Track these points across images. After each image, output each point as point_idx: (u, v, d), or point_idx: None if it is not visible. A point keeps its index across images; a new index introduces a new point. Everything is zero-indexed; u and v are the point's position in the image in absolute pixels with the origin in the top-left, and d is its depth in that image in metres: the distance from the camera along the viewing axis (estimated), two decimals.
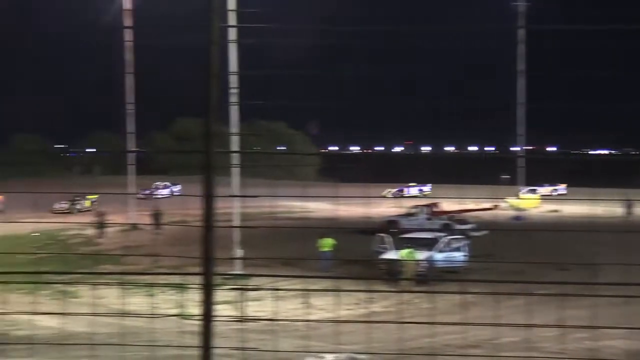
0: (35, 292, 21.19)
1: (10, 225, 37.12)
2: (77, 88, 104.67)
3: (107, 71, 78.71)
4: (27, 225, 39.47)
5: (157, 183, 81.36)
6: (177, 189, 79.96)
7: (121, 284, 21.31)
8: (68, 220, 48.38)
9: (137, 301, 21.80)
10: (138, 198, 69.81)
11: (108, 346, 12.28)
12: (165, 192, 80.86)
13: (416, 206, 53.47)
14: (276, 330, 14.88)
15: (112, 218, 49.56)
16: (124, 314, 19.49)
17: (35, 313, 16.82)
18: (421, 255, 33.19)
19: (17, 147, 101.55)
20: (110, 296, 23.23)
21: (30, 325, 21.91)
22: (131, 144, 57.41)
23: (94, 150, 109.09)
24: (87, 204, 64.05)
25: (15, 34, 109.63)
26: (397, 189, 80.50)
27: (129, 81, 55.55)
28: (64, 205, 61.70)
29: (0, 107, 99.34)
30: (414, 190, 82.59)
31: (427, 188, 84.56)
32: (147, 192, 75.56)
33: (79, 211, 62.30)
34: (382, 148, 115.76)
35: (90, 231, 48.18)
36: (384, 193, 76.11)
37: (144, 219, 47.47)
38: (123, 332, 17.35)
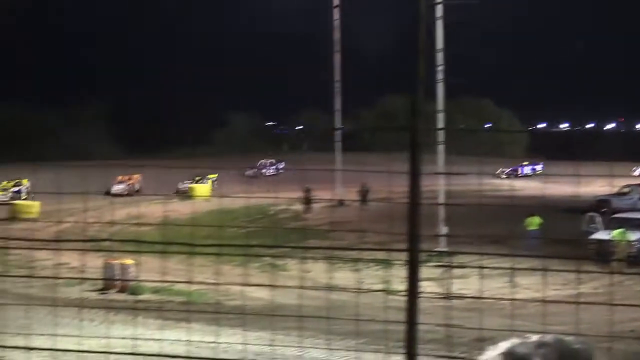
0: (246, 264, 21.84)
1: (225, 200, 38.49)
2: (284, 66, 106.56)
3: (313, 49, 79.73)
4: (239, 200, 40.86)
5: (262, 160, 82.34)
6: (281, 166, 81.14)
7: (327, 258, 21.72)
8: (279, 195, 49.57)
9: (343, 276, 22.12)
10: (246, 175, 71.08)
11: (315, 318, 12.51)
12: (271, 170, 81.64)
13: (628, 185, 51.75)
14: (480, 309, 14.74)
15: (318, 194, 50.35)
16: (331, 287, 19.83)
17: (247, 284, 17.33)
18: (634, 236, 32.18)
19: (233, 125, 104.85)
20: (317, 270, 23.76)
21: (242, 295, 22.64)
22: (338, 121, 58.17)
23: (302, 127, 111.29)
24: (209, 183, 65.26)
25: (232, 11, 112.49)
26: (510, 169, 77.73)
27: (336, 59, 56.31)
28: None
29: (218, 86, 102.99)
30: (527, 170, 79.96)
31: (539, 167, 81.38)
32: (254, 169, 76.86)
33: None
34: (593, 125, 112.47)
35: (297, 207, 49.30)
36: (497, 172, 74.01)
37: (350, 195, 48.02)
38: (329, 306, 17.67)
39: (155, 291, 26.55)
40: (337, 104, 56.81)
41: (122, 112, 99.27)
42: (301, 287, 14.16)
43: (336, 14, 56.03)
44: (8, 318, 16.97)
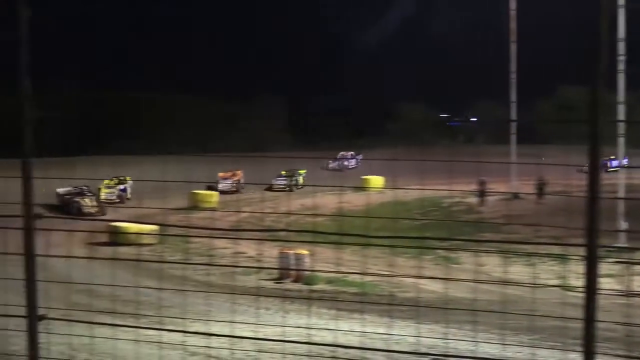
0: (419, 256, 21.78)
1: (398, 192, 38.46)
2: (456, 57, 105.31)
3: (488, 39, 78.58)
4: (412, 191, 40.76)
5: (343, 153, 79.48)
6: (360, 158, 77.41)
7: (502, 252, 21.35)
8: (449, 188, 49.20)
9: (517, 270, 21.72)
10: (330, 169, 70.80)
11: (489, 313, 12.37)
12: (352, 162, 78.48)
13: None
14: None
15: (493, 187, 49.74)
16: (505, 282, 19.54)
17: (420, 277, 17.30)
18: None
19: (403, 116, 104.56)
20: (491, 264, 23.47)
21: (414, 288, 22.58)
22: (513, 113, 57.21)
23: (476, 119, 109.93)
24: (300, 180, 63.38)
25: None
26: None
27: (512, 49, 55.42)
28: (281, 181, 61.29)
29: (386, 78, 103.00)
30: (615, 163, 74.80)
31: (625, 161, 76.16)
32: (338, 162, 74.86)
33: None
34: None
35: (471, 199, 48.85)
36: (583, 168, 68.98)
37: (525, 188, 47.16)
38: (503, 300, 17.41)
39: (329, 282, 26.83)
40: (513, 95, 55.87)
41: (297, 105, 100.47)
42: (475, 281, 14.00)
43: (513, 3, 55.09)
44: (189, 304, 17.55)
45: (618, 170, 72.93)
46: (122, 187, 56.50)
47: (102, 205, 49.25)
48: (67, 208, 49.24)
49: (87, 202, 49.95)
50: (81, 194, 51.33)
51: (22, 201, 8.11)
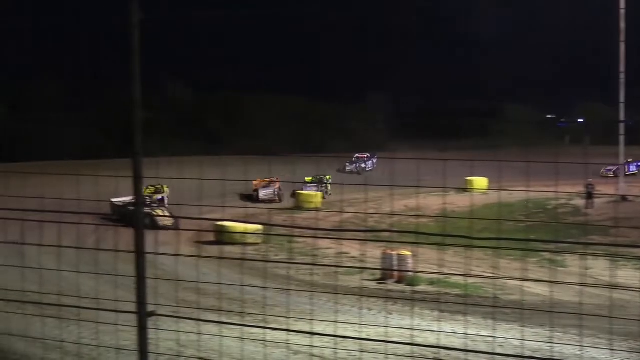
0: (524, 259, 21.53)
1: (502, 193, 38.07)
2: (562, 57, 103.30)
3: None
4: (517, 193, 40.24)
5: (358, 155, 74.47)
6: (375, 159, 73.82)
7: (610, 255, 20.95)
8: (559, 189, 48.31)
9: (626, 274, 21.33)
10: (347, 171, 69.27)
11: (596, 317, 12.14)
12: (369, 165, 73.47)
13: None
14: None
15: (600, 189, 48.79)
16: (613, 286, 19.16)
17: (525, 280, 17.08)
18: None
19: (508, 116, 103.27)
20: (598, 267, 23.03)
21: (518, 290, 22.33)
22: (622, 114, 56.03)
23: (583, 120, 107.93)
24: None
25: None
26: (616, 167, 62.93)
27: (622, 49, 54.30)
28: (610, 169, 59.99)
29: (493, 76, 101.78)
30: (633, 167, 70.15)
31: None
32: (355, 165, 72.09)
33: None
34: None
35: (578, 201, 48.03)
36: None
37: (635, 190, 46.17)
38: (611, 305, 17.06)
39: (432, 283, 26.70)
40: (622, 96, 54.73)
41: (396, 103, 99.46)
42: (581, 285, 13.74)
43: (622, 3, 53.94)
44: (292, 303, 17.68)
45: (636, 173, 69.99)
46: (159, 196, 52.15)
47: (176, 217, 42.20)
48: (126, 220, 38.96)
49: (160, 213, 44.39)
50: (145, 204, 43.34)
51: (133, 199, 8.30)
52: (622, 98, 54.76)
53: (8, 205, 10.61)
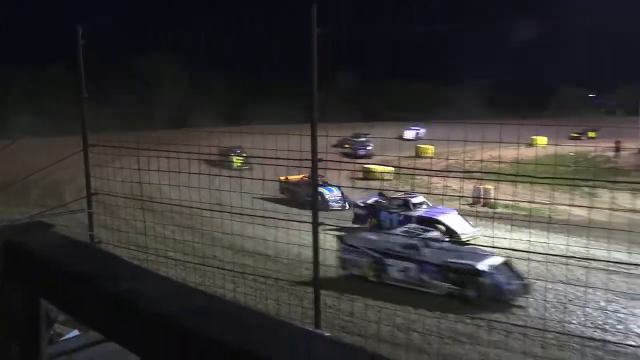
0: (570, 192, 20.77)
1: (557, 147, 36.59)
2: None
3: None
4: (567, 147, 38.81)
5: (352, 137, 48.95)
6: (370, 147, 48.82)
7: (631, 190, 19.83)
8: (596, 145, 45.89)
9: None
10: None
11: (619, 231, 11.50)
12: (362, 151, 48.55)
13: None
14: None
15: (626, 145, 46.41)
16: (633, 210, 18.17)
17: (571, 205, 16.36)
18: None
19: (561, 96, 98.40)
20: (622, 198, 21.94)
21: (566, 213, 21.47)
22: None
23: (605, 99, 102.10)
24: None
25: None
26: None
27: None
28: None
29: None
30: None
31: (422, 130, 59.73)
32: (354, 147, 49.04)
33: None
34: None
35: (609, 154, 45.94)
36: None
37: None
38: (631, 223, 16.19)
39: (506, 207, 26.07)
40: None
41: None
42: (610, 209, 13.05)
43: None
44: None
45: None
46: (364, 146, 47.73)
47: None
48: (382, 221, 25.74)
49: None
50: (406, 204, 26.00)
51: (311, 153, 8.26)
52: None
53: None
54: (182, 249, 15.36)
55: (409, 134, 58.65)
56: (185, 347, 0.90)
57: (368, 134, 49.91)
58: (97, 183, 11.63)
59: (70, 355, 2.54)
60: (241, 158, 33.32)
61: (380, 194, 26.35)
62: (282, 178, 28.34)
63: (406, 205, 25.19)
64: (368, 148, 48.90)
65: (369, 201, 26.64)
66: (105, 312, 1.06)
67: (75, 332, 3.36)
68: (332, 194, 28.72)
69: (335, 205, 28.56)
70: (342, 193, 28.65)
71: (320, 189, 25.02)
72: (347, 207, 28.21)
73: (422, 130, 59.46)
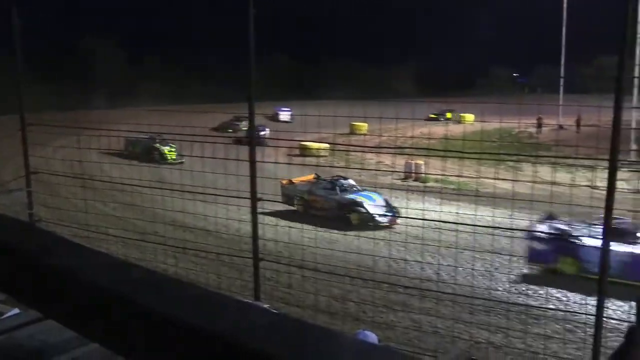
0: (496, 166, 21.30)
1: (484, 124, 37.38)
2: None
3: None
4: (493, 124, 39.58)
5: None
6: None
7: (551, 164, 20.46)
8: (520, 121, 47.07)
9: (561, 175, 20.83)
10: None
11: (542, 203, 11.91)
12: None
13: None
14: None
15: (547, 121, 47.76)
16: (553, 182, 18.75)
17: (495, 179, 16.81)
18: None
19: (490, 77, 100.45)
20: (543, 171, 22.63)
21: (492, 186, 22.02)
22: (561, 72, 54.44)
23: (527, 78, 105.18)
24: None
25: None
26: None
27: (564, 17, 52.04)
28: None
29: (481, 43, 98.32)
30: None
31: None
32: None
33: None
34: None
35: (531, 130, 47.18)
36: None
37: (569, 121, 44.85)
38: (551, 195, 16.72)
39: (436, 181, 26.55)
40: (562, 58, 53.17)
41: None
42: (533, 182, 13.47)
43: None
44: None
45: None
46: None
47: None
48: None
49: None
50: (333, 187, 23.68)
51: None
52: (562, 61, 53.17)
53: None
54: (124, 225, 15.10)
55: (284, 115, 52.57)
56: (123, 319, 0.89)
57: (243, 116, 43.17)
58: (37, 162, 11.27)
59: (10, 334, 2.48)
60: (173, 149, 32.24)
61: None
62: (284, 182, 22.66)
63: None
64: (262, 133, 32.81)
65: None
66: (43, 289, 1.04)
67: (16, 311, 3.28)
68: (374, 203, 21.79)
69: (384, 220, 20.84)
70: (387, 200, 21.84)
71: (359, 197, 22.22)
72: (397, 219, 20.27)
73: (289, 112, 53.01)
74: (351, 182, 23.65)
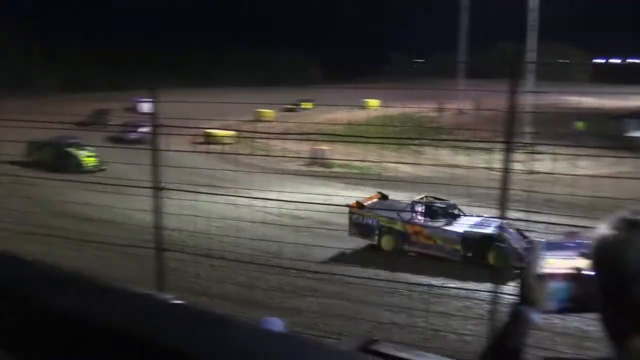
0: (398, 150, 21.84)
1: (388, 109, 38.20)
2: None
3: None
4: (396, 109, 40.55)
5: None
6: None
7: (452, 147, 21.20)
8: (421, 106, 48.14)
9: (461, 159, 21.65)
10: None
11: (443, 185, 12.35)
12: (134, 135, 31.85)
13: None
14: (548, 180, 13.78)
15: (447, 106, 49.22)
16: (453, 165, 19.48)
17: (398, 162, 17.25)
18: None
19: (392, 63, 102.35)
20: (445, 154, 23.46)
21: (395, 170, 22.54)
22: (462, 57, 56.27)
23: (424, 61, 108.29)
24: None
25: None
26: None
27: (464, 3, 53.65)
28: None
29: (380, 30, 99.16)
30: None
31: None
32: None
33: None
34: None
35: (433, 114, 48.64)
36: None
37: (467, 106, 46.53)
38: (451, 178, 17.31)
39: (341, 166, 26.91)
40: (462, 45, 54.89)
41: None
42: (434, 165, 13.93)
43: None
44: (255, 180, 17.44)
45: None
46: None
47: None
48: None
49: None
50: None
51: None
52: (462, 47, 55.01)
53: None
54: (24, 219, 14.36)
55: (145, 106, 46.15)
56: (21, 318, 0.85)
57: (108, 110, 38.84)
58: None
59: None
60: (92, 154, 26.72)
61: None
62: (353, 204, 15.90)
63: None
64: (140, 130, 27.39)
65: None
66: None
67: None
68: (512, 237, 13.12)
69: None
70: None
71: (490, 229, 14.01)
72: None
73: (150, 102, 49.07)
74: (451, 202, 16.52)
